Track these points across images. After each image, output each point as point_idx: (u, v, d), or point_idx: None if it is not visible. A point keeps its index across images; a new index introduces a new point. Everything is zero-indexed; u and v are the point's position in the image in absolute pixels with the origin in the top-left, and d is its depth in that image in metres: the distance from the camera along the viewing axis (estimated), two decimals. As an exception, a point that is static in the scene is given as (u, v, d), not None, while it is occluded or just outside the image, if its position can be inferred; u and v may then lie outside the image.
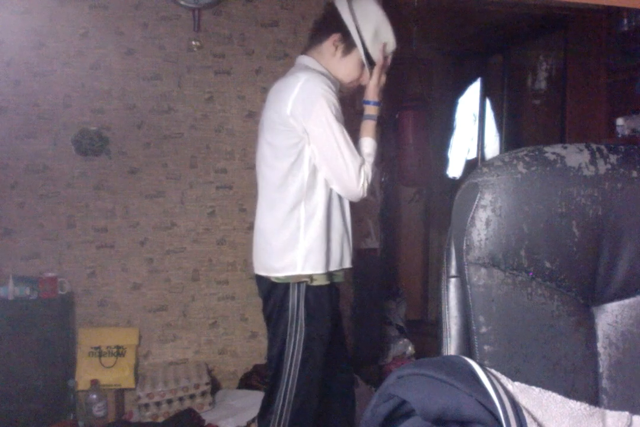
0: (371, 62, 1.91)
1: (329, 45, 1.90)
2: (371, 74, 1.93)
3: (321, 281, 1.87)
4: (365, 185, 1.84)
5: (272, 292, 1.90)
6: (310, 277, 1.86)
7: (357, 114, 2.05)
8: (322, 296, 1.89)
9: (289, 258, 1.86)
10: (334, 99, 1.79)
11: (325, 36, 1.91)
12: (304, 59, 1.96)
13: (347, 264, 1.96)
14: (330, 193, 1.89)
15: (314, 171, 1.84)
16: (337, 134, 1.79)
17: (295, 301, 1.86)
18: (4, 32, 2.83)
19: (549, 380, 0.83)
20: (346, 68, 1.92)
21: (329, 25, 1.90)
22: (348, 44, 1.88)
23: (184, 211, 3.13)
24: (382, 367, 3.35)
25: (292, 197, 1.85)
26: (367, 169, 1.85)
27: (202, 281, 3.16)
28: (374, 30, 1.86)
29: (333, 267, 1.91)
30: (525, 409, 0.75)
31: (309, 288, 1.87)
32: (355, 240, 2.03)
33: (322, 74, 1.87)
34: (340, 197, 1.92)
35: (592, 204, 0.85)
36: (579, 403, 0.80)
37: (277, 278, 1.88)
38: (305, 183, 1.84)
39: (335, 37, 1.89)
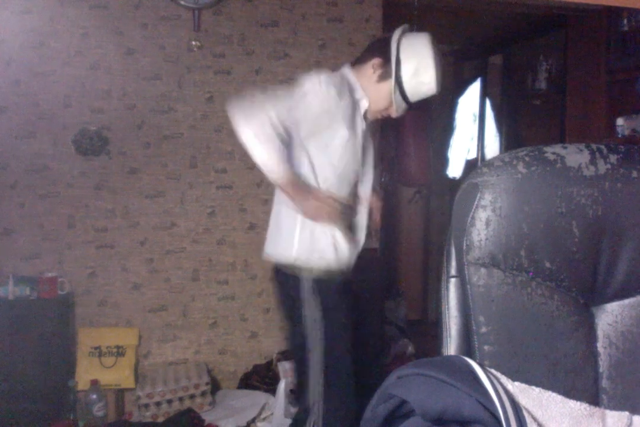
0: (405, 99, 1.93)
1: (369, 67, 1.96)
2: (400, 108, 1.96)
3: (315, 273, 1.92)
4: (247, 131, 1.74)
5: (277, 275, 2.01)
6: (292, 266, 1.93)
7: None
8: (326, 282, 1.94)
9: (280, 244, 1.97)
10: (326, 89, 1.80)
11: (369, 57, 1.97)
12: (344, 70, 2.00)
13: (334, 263, 1.96)
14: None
15: (309, 164, 1.89)
16: (288, 93, 1.81)
17: (298, 284, 1.93)
18: (4, 32, 2.83)
19: (549, 380, 0.83)
20: (376, 94, 1.96)
21: (377, 48, 1.97)
22: (384, 72, 1.92)
23: (184, 211, 3.12)
24: (382, 367, 3.35)
25: None
26: (259, 134, 1.74)
27: (202, 281, 3.16)
28: (415, 69, 1.88)
29: (320, 262, 1.94)
30: (525, 409, 0.75)
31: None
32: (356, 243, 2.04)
33: (351, 85, 1.93)
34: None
35: (592, 204, 0.85)
36: (579, 403, 0.80)
37: (265, 256, 2.02)
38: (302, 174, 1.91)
39: (376, 61, 1.94)
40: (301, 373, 1.99)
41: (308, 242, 1.92)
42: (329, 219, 1.87)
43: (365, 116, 1.98)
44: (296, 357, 2.00)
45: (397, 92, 1.91)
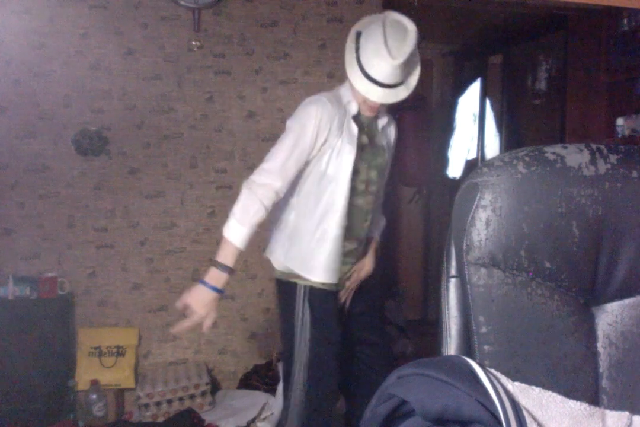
0: (368, 78, 1.81)
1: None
2: (371, 93, 1.84)
3: (297, 280, 1.93)
4: (250, 182, 1.87)
5: (277, 277, 2.02)
6: (277, 271, 1.98)
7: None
8: (320, 292, 1.93)
9: (273, 251, 2.01)
10: (318, 116, 1.82)
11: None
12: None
13: (318, 277, 1.92)
14: (301, 200, 1.93)
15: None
16: (285, 139, 1.85)
17: (292, 290, 1.94)
18: (4, 32, 2.83)
19: (549, 380, 0.83)
20: (352, 87, 1.89)
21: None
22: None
23: (184, 211, 3.12)
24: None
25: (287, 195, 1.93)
26: (258, 182, 1.86)
27: (202, 281, 3.15)
28: (372, 51, 1.80)
29: (304, 272, 1.92)
30: (525, 409, 0.75)
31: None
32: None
33: (337, 95, 1.92)
34: (320, 210, 1.91)
35: (592, 204, 0.85)
36: (579, 403, 0.80)
37: (265, 255, 2.05)
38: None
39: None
40: (286, 378, 1.98)
41: (297, 255, 1.93)
42: (194, 310, 1.77)
43: (357, 118, 1.93)
44: (284, 361, 2.00)
45: (356, 72, 1.83)
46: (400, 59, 1.76)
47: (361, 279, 2.07)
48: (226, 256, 1.77)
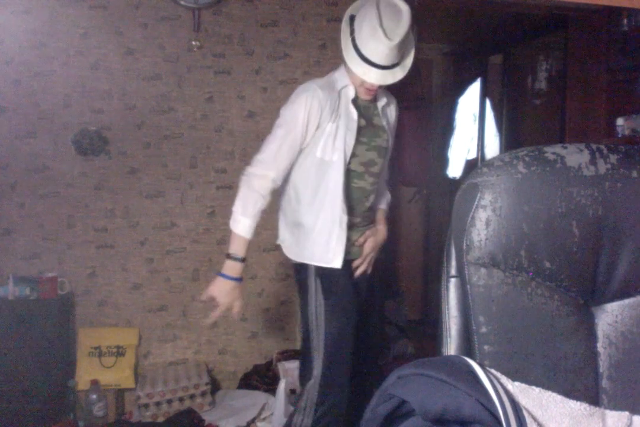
0: (364, 59, 1.83)
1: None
2: (368, 74, 1.85)
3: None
4: (247, 175, 1.91)
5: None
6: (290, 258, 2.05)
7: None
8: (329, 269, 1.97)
9: (280, 236, 2.10)
10: (308, 104, 1.86)
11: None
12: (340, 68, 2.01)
13: (321, 261, 1.96)
14: (298, 187, 1.97)
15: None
16: (277, 129, 1.90)
17: (303, 270, 2.00)
18: (4, 32, 2.83)
19: (549, 380, 0.83)
20: (348, 70, 1.91)
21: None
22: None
23: (184, 211, 3.12)
24: (382, 367, 3.35)
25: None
26: (254, 172, 1.90)
27: (202, 281, 3.15)
28: (368, 32, 1.80)
29: (307, 259, 1.97)
30: (525, 409, 0.75)
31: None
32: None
33: (331, 80, 1.94)
34: (317, 196, 1.94)
35: (592, 204, 0.85)
36: (579, 403, 0.80)
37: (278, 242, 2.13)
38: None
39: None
40: (305, 353, 2.01)
41: (304, 244, 1.98)
42: (219, 300, 1.96)
43: (356, 103, 1.95)
44: (303, 337, 2.04)
45: (352, 55, 1.84)
46: (396, 40, 1.79)
47: (379, 245, 2.10)
48: (237, 247, 1.92)
